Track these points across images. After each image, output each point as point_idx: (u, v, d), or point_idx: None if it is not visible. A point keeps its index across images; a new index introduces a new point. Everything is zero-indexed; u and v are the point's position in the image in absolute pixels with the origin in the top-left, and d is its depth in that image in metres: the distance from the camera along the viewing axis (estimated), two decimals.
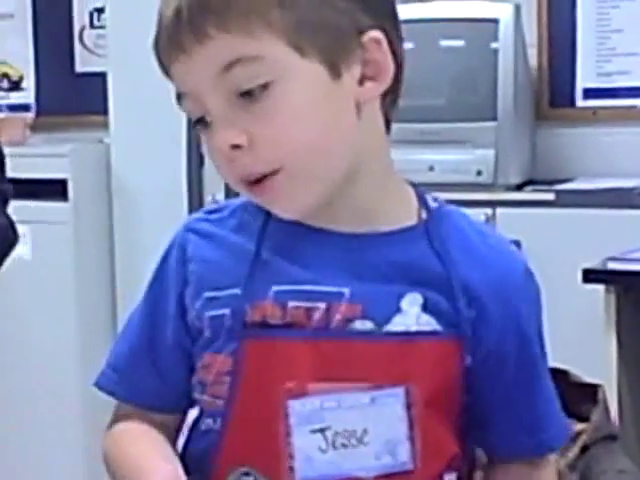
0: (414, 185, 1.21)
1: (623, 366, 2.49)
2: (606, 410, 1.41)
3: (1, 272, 3.43)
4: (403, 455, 1.13)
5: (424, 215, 1.17)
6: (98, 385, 1.26)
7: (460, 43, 3.00)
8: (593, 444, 1.37)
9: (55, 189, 3.05)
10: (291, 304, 1.14)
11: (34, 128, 3.98)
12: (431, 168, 2.94)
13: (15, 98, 4.27)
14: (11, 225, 1.45)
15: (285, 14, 1.05)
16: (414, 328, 1.12)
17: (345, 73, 1.08)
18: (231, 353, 1.15)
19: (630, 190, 2.78)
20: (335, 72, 1.07)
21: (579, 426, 1.38)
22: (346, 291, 1.13)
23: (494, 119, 2.92)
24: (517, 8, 2.96)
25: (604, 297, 2.48)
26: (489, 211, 2.83)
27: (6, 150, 3.65)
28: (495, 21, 2.92)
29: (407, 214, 1.17)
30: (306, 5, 1.06)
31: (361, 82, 1.10)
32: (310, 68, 1.07)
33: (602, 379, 2.44)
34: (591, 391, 1.41)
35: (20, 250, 3.46)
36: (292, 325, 1.15)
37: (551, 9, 3.20)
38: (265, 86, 1.05)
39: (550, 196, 2.84)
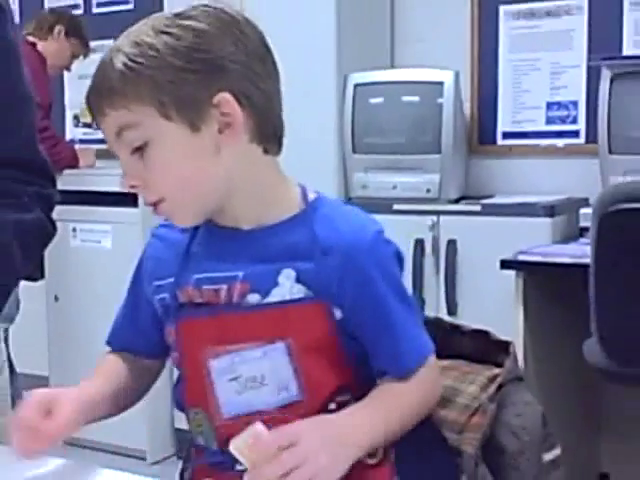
0: (301, 185, 1.20)
1: (527, 328, 2.51)
2: (515, 359, 1.37)
3: (91, 258, 3.47)
4: (293, 390, 1.13)
5: (303, 206, 1.16)
6: (106, 342, 1.30)
7: (416, 99, 3.02)
8: (506, 383, 1.32)
9: (129, 199, 3.08)
10: (205, 287, 1.16)
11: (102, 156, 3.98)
12: (394, 187, 2.96)
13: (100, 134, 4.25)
14: (50, 221, 1.37)
15: (153, 94, 1.06)
16: (287, 297, 1.12)
17: (203, 127, 1.09)
18: (174, 327, 1.18)
19: (534, 204, 2.79)
20: (195, 128, 1.08)
21: (496, 370, 1.33)
22: (240, 274, 1.13)
23: (439, 152, 2.93)
24: (457, 74, 2.97)
25: (515, 280, 2.50)
26: (435, 218, 2.85)
27: (93, 170, 3.68)
28: (441, 83, 2.94)
29: (289, 208, 1.16)
30: (167, 84, 1.06)
31: (220, 131, 1.09)
32: (175, 128, 1.07)
33: (513, 337, 2.48)
34: (505, 346, 1.37)
35: (105, 242, 3.53)
36: (208, 303, 1.16)
37: (480, 75, 3.22)
38: (146, 144, 1.08)
39: (478, 208, 2.85)
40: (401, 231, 2.83)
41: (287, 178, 1.21)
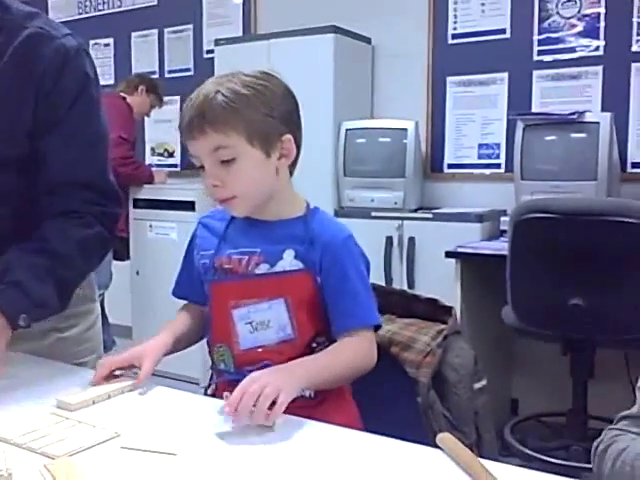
0: (306, 199, 1.23)
1: (463, 298, 2.53)
2: (455, 319, 1.37)
3: (162, 245, 3.48)
4: (289, 331, 1.15)
5: (305, 211, 1.20)
6: (172, 293, 1.31)
7: (388, 140, 3.02)
8: (449, 335, 1.33)
9: (189, 205, 3.09)
10: (233, 257, 1.17)
11: (171, 176, 4.01)
12: (372, 200, 2.96)
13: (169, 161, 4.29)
14: (110, 233, 1.30)
15: (245, 127, 1.09)
16: (288, 268, 1.15)
17: (272, 154, 1.13)
18: (209, 286, 1.18)
19: (469, 213, 2.79)
20: (267, 154, 1.12)
21: (442, 326, 1.34)
22: (258, 250, 1.16)
23: (404, 177, 2.93)
24: (417, 123, 2.97)
25: (455, 265, 2.52)
26: (400, 222, 2.84)
27: (164, 185, 3.69)
28: (405, 129, 2.95)
29: (297, 211, 1.19)
30: (256, 122, 1.09)
31: (279, 158, 1.14)
32: (255, 153, 1.11)
33: (453, 305, 2.50)
34: (448, 309, 1.37)
35: (172, 235, 3.54)
36: (232, 270, 1.17)
37: (433, 124, 3.22)
38: (234, 159, 1.10)
39: (430, 215, 2.85)
40: (377, 230, 2.86)
41: (298, 193, 1.24)
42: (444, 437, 0.93)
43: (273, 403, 0.96)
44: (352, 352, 1.16)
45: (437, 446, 0.92)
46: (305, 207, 1.21)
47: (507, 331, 2.43)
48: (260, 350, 1.15)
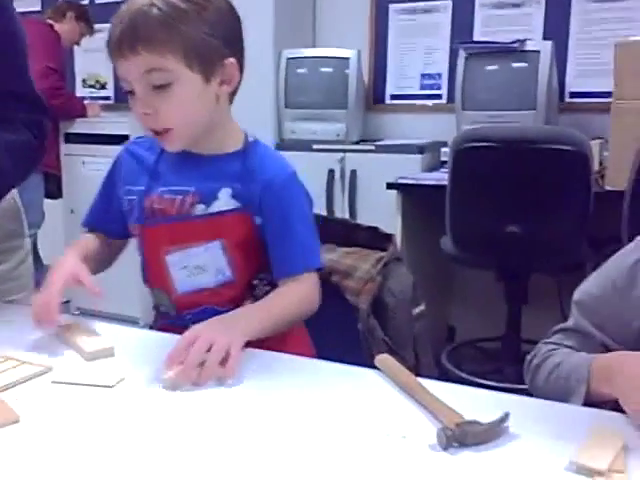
0: (244, 130, 1.15)
1: (404, 228, 2.55)
2: (395, 246, 1.38)
3: (95, 182, 3.36)
4: (227, 273, 1.11)
5: (244, 145, 1.13)
6: (82, 224, 1.24)
7: (330, 69, 2.97)
8: (389, 262, 1.34)
9: (124, 139, 2.99)
10: (165, 196, 1.10)
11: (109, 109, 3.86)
12: (314, 132, 2.92)
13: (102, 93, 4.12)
14: (40, 144, 1.26)
15: (184, 47, 0.99)
16: (224, 208, 1.09)
17: (212, 80, 1.04)
18: (138, 225, 1.13)
19: (410, 145, 2.79)
20: (207, 80, 1.03)
21: (383, 253, 1.34)
22: (192, 189, 1.09)
23: (345, 108, 2.90)
24: (359, 52, 2.93)
25: (396, 197, 2.54)
26: (342, 154, 2.82)
27: (97, 119, 3.55)
28: (347, 59, 2.90)
29: (236, 145, 1.12)
30: (196, 42, 1.00)
31: (220, 85, 1.06)
32: (194, 77, 1.02)
33: (395, 229, 2.55)
34: (388, 237, 1.38)
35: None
36: (164, 211, 1.10)
37: (376, 54, 3.17)
38: (169, 84, 1.00)
39: (372, 147, 2.84)
40: (319, 163, 2.84)
41: (236, 124, 1.17)
42: (382, 358, 0.95)
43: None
44: (296, 297, 1.13)
45: (376, 367, 0.94)
46: (244, 140, 1.14)
47: (446, 260, 2.48)
48: (199, 294, 1.11)
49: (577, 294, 1.03)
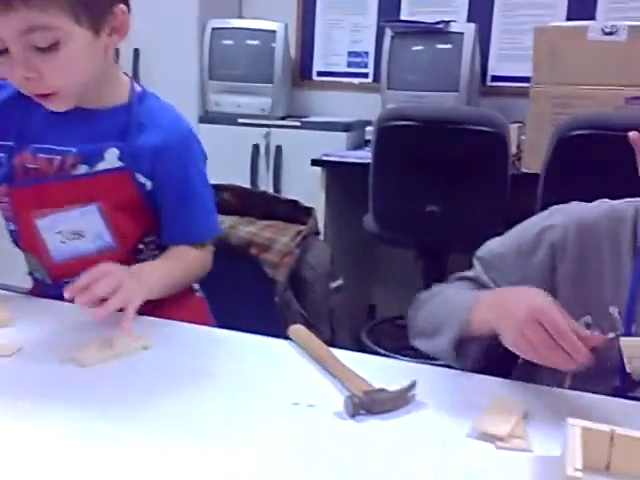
0: (130, 77, 1.08)
1: (328, 205, 2.55)
2: (315, 220, 1.38)
3: None
4: (107, 239, 1.05)
5: (131, 97, 1.04)
6: None
7: (256, 42, 2.90)
8: (308, 236, 1.35)
9: None
10: (40, 155, 1.02)
11: None
12: (239, 106, 2.85)
13: None
14: None
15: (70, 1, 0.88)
16: (109, 167, 1.01)
17: (102, 32, 0.94)
18: (7, 185, 1.04)
19: (336, 122, 2.78)
20: (96, 32, 0.93)
21: (302, 227, 1.34)
22: (73, 149, 1.01)
23: (271, 82, 2.85)
24: (286, 26, 2.88)
25: (320, 173, 2.53)
26: (267, 129, 2.77)
27: None
28: (274, 32, 2.84)
29: (122, 97, 1.04)
30: None
31: (110, 35, 0.96)
32: (83, 33, 0.91)
33: (318, 212, 2.54)
34: (308, 210, 1.39)
35: None
36: (39, 170, 1.02)
37: (303, 29, 3.12)
38: (55, 45, 0.89)
39: (298, 123, 2.81)
40: (243, 138, 2.80)
41: (122, 74, 1.07)
42: (295, 329, 0.95)
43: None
44: (199, 263, 1.11)
45: (290, 339, 0.94)
46: (130, 91, 1.04)
47: (368, 239, 2.50)
48: (78, 260, 1.04)
49: (481, 250, 1.04)
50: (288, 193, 2.77)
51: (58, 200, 1.02)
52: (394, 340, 2.74)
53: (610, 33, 2.15)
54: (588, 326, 0.90)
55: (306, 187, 2.58)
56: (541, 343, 0.74)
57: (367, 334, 2.79)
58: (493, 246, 1.03)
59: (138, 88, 1.07)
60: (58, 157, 1.02)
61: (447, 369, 0.89)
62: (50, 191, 1.02)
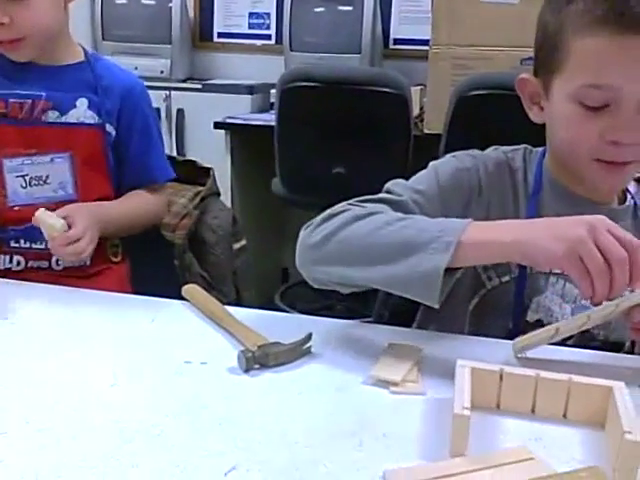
0: (80, 44, 1.16)
1: (234, 168, 2.50)
2: (214, 180, 1.35)
3: None
4: (70, 190, 1.10)
5: (85, 57, 1.14)
6: None
7: (152, 2, 2.78)
8: (207, 197, 1.32)
9: None
10: (11, 100, 1.06)
11: None
12: (136, 68, 2.65)
13: None
14: None
15: None
16: (82, 119, 1.09)
17: None
18: None
19: (239, 85, 2.71)
20: None
21: (200, 188, 1.31)
22: (43, 94, 1.07)
23: (170, 43, 2.75)
24: None
25: (224, 136, 2.48)
26: (167, 92, 2.68)
27: None
28: None
29: (77, 56, 1.13)
30: None
31: None
32: None
33: (223, 176, 2.49)
34: (207, 170, 1.36)
35: None
36: (9, 114, 1.06)
37: None
38: None
39: (199, 86, 2.72)
40: None
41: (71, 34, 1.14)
42: (189, 288, 0.92)
43: None
44: (155, 206, 1.19)
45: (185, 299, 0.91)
46: (83, 51, 1.14)
47: (277, 202, 2.48)
48: (31, 207, 1.04)
49: (397, 184, 0.92)
50: (192, 157, 2.70)
51: (31, 144, 1.07)
52: (309, 302, 2.76)
53: None
54: (486, 269, 0.91)
55: (211, 151, 2.51)
56: (595, 269, 0.65)
57: (281, 297, 2.79)
58: (410, 183, 0.92)
59: (88, 50, 1.16)
60: (28, 101, 1.06)
61: (343, 321, 0.88)
62: (24, 133, 1.06)
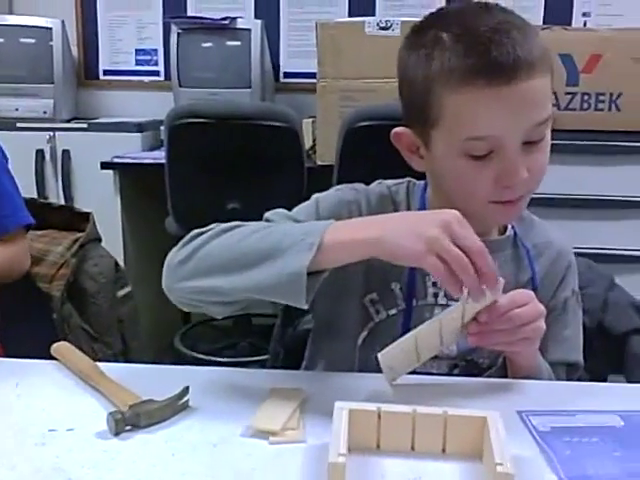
0: None
1: (124, 210, 2.43)
2: (94, 225, 1.28)
3: None
4: None
5: None
6: None
7: (32, 40, 2.67)
8: (87, 243, 1.28)
9: None
10: None
11: None
12: (17, 109, 2.62)
13: None
14: None
15: None
16: None
17: None
18: None
19: (128, 123, 2.63)
20: None
21: (79, 234, 1.27)
22: None
23: (52, 83, 2.64)
24: (63, 22, 2.68)
25: (113, 177, 2.41)
26: (51, 133, 2.56)
27: None
28: (50, 29, 2.63)
29: None
30: None
31: None
32: None
33: (114, 218, 2.41)
34: (86, 216, 1.31)
35: None
36: None
37: (84, 25, 2.94)
38: None
39: (85, 125, 2.63)
40: (24, 144, 2.56)
41: None
42: (59, 346, 0.87)
43: None
44: (7, 258, 1.11)
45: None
46: None
47: (172, 242, 2.41)
48: None
49: (276, 213, 0.91)
50: (81, 200, 2.61)
51: None
52: (211, 342, 2.70)
53: (385, 28, 2.26)
54: (374, 303, 0.92)
55: (100, 193, 2.44)
56: (456, 261, 0.68)
57: (181, 339, 2.71)
58: (290, 213, 0.92)
59: None
60: None
61: (224, 368, 0.85)
62: None
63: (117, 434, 0.67)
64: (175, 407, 0.71)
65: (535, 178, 0.84)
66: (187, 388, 0.73)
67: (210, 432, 0.69)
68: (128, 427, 0.67)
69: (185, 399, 0.73)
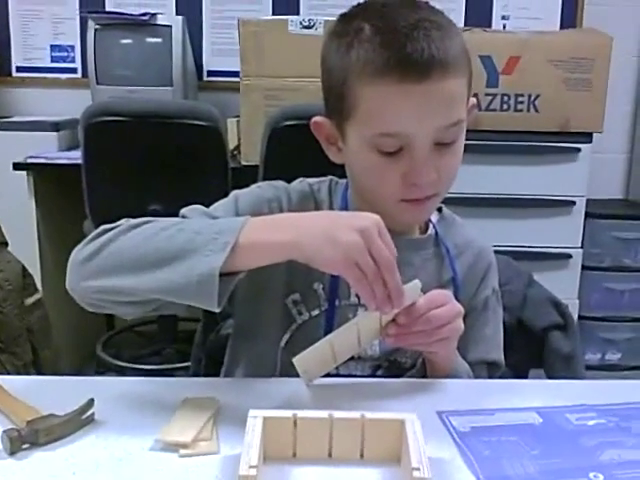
0: None
1: (39, 214, 2.32)
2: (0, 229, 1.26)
3: None
4: None
5: None
6: None
7: None
8: None
9: None
10: None
11: None
12: None
13: None
14: None
15: None
16: None
17: None
18: None
19: (43, 122, 2.51)
20: None
21: None
22: None
23: None
24: None
25: (26, 178, 2.29)
26: None
27: None
28: None
29: None
30: None
31: None
32: None
33: (27, 223, 2.30)
34: None
35: None
36: None
37: None
38: None
39: None
40: None
41: None
42: None
43: None
44: None
45: None
46: None
47: None
48: None
49: (192, 209, 0.87)
50: None
51: None
52: (135, 349, 2.61)
53: (308, 27, 2.25)
54: (296, 303, 0.91)
55: (14, 195, 2.31)
56: (372, 273, 0.68)
57: (104, 347, 2.61)
58: (208, 210, 0.89)
59: None
60: None
61: (136, 378, 0.81)
62: None
63: (12, 453, 0.62)
64: (78, 422, 0.67)
65: (444, 180, 0.84)
66: (92, 400, 0.68)
67: (116, 447, 0.65)
68: (25, 445, 0.63)
69: (89, 412, 0.68)
